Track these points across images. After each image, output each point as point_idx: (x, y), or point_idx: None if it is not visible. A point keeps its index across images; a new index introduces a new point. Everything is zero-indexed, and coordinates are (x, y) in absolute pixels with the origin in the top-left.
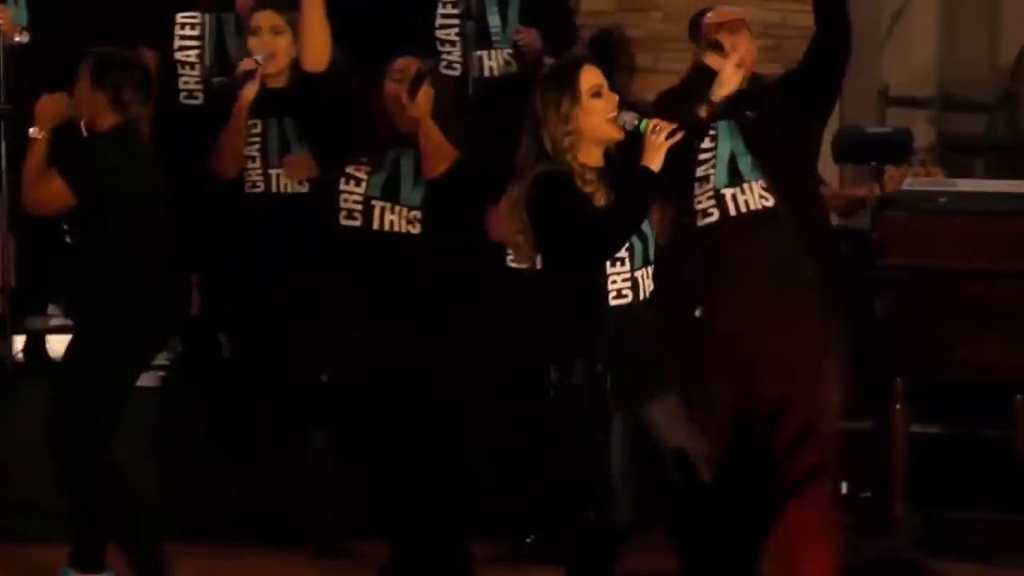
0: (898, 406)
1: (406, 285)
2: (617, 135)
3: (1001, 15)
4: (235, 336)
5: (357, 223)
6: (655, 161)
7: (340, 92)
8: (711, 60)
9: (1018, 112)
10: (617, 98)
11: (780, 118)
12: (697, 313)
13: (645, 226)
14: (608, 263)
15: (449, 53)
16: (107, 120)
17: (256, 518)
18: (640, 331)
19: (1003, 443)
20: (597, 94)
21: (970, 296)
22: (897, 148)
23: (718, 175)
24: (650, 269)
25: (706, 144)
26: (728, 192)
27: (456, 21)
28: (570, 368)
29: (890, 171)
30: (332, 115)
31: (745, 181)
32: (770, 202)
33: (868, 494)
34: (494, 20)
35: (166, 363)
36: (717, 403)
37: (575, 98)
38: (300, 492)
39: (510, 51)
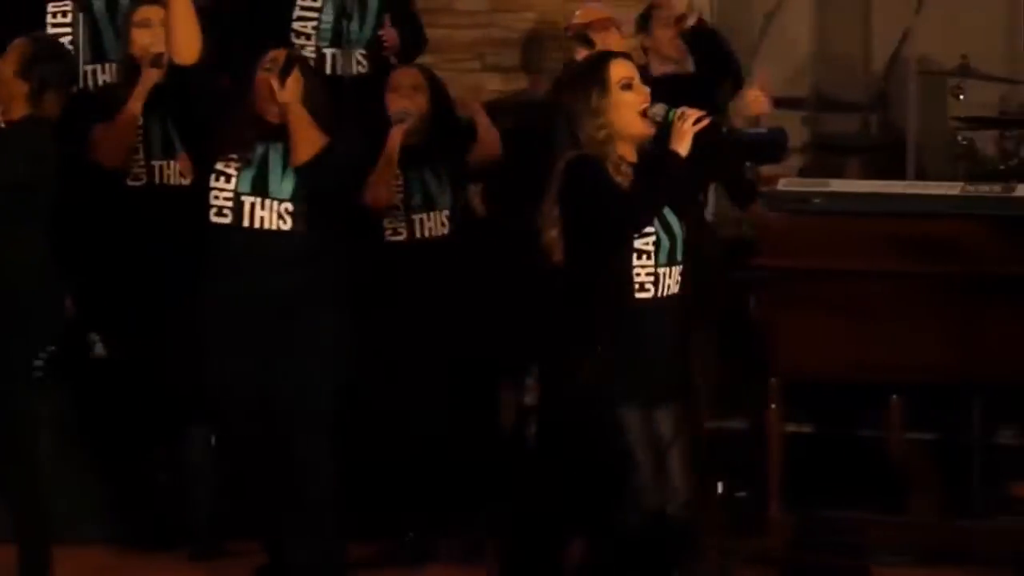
0: (772, 406)
1: (279, 281)
2: (647, 130)
3: (873, 15)
4: (109, 334)
5: (228, 220)
6: (682, 146)
7: (211, 88)
8: (580, 56)
9: (891, 112)
10: (648, 91)
11: None
12: None
13: (675, 225)
14: (633, 256)
15: (303, 47)
16: (20, 109)
17: (132, 520)
18: (657, 329)
19: (877, 443)
20: (627, 86)
21: (844, 296)
22: (773, 148)
23: None
24: (676, 269)
25: None
26: None
27: (313, 15)
28: (581, 361)
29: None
30: (205, 111)
31: None
32: None
33: (743, 494)
34: (350, 20)
35: (37, 364)
36: None
37: (605, 91)
38: (176, 493)
39: (363, 51)
